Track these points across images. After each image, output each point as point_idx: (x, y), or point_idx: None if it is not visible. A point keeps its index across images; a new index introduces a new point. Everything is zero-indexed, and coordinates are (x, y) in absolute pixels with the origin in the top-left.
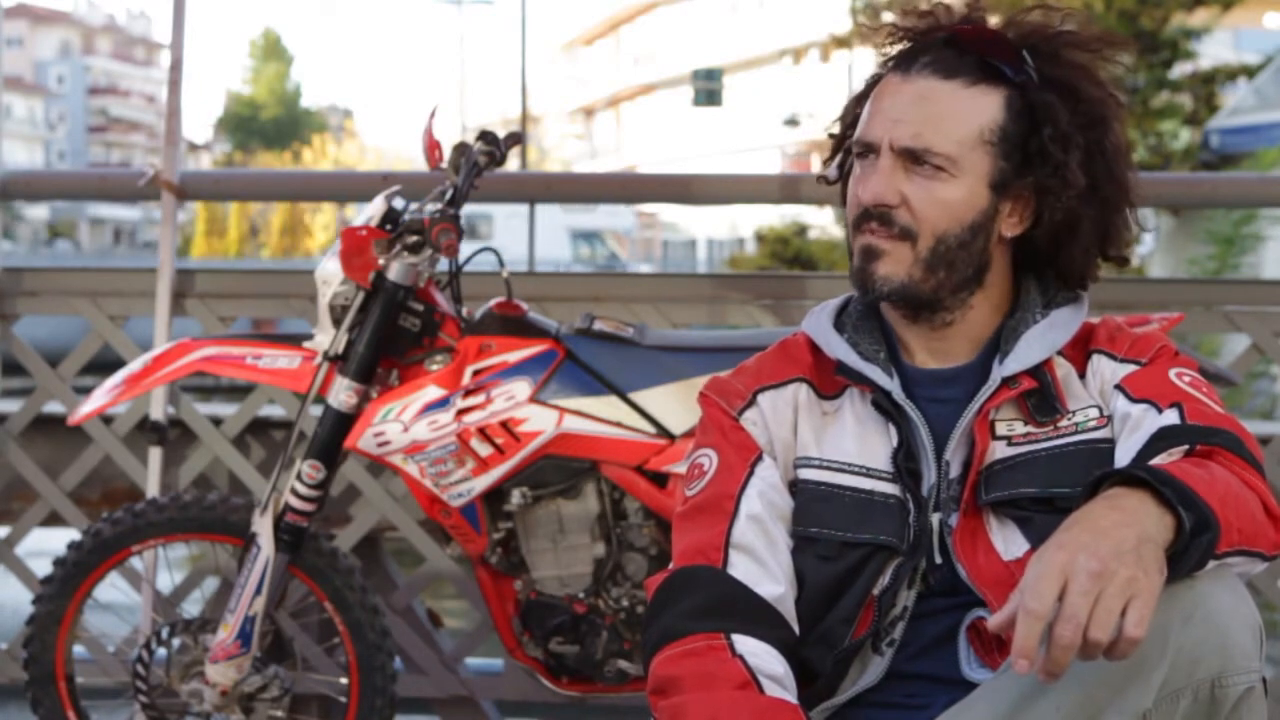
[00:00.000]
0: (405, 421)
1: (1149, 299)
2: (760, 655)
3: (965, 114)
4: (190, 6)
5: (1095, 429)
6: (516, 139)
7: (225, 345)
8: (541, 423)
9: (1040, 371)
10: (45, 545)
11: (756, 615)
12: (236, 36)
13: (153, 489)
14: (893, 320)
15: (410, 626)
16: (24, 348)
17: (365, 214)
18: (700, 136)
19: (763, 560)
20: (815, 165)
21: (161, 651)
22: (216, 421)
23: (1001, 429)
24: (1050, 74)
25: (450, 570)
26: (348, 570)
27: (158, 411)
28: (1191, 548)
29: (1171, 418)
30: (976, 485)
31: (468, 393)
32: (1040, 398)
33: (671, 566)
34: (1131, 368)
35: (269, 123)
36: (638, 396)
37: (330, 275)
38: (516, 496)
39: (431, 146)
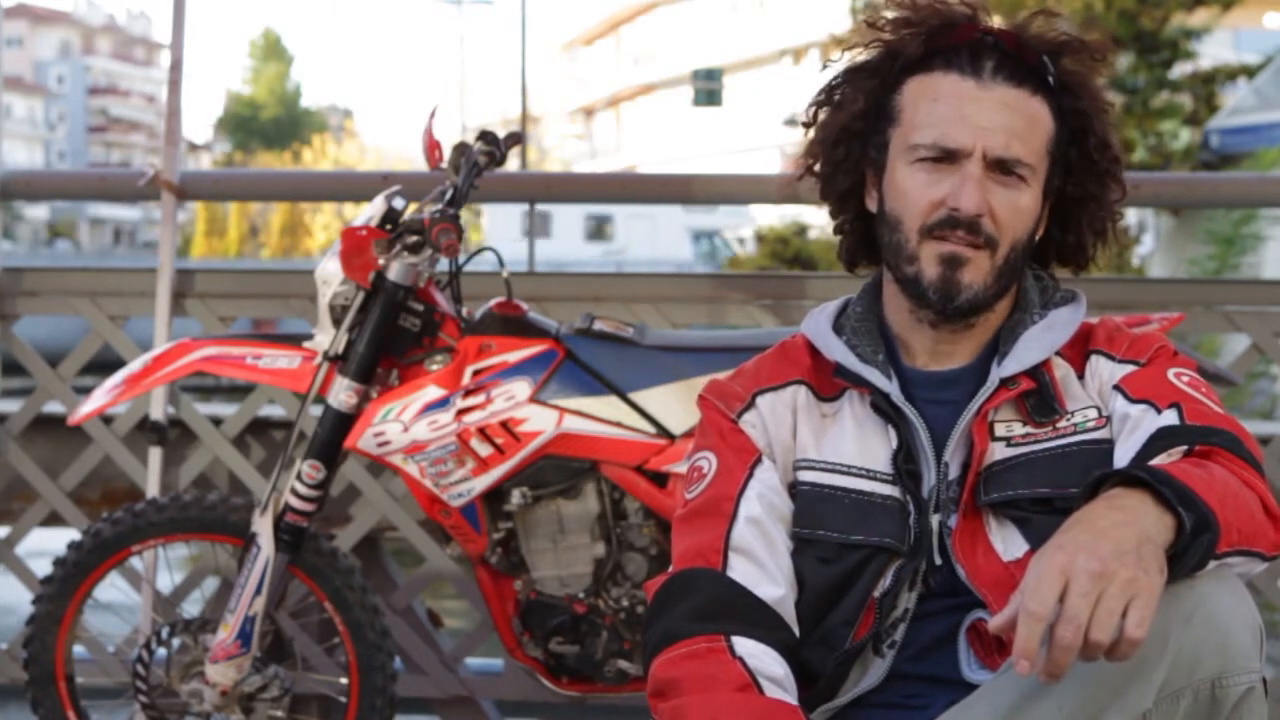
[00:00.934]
0: (405, 421)
1: (1149, 299)
2: (760, 657)
3: (1039, 123)
4: (190, 6)
5: (1094, 429)
6: (516, 139)
7: (225, 345)
8: (541, 423)
9: (1039, 372)
10: (45, 545)
11: (756, 617)
12: (236, 36)
13: (153, 489)
14: (900, 322)
15: (410, 626)
16: (24, 348)
17: (365, 214)
18: (700, 136)
19: (762, 563)
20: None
21: (161, 651)
22: (216, 421)
23: (1000, 430)
24: (1067, 80)
25: (450, 570)
26: (348, 570)
27: (158, 411)
28: (1192, 548)
29: (1171, 418)
30: (976, 486)
31: (468, 393)
32: (1039, 398)
33: (671, 569)
34: (1130, 368)
35: (269, 123)
36: (638, 396)
37: (330, 275)
38: (516, 496)
39: (431, 146)
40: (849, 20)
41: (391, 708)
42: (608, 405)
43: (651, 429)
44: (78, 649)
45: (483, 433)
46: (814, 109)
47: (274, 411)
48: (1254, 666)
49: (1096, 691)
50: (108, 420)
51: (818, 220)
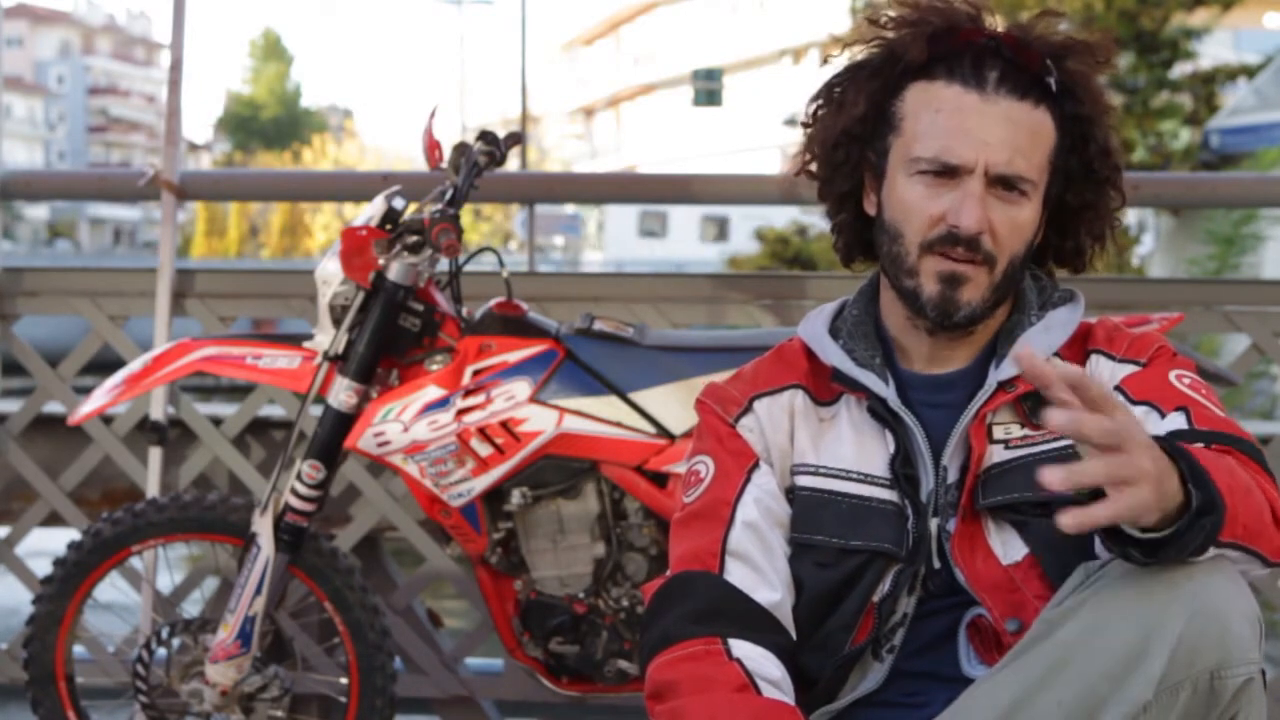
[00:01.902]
0: (405, 421)
1: (1149, 299)
2: (757, 659)
3: (1041, 137)
4: (190, 6)
5: None
6: (516, 139)
7: (225, 345)
8: (541, 423)
9: None
10: (45, 545)
11: (753, 620)
12: (236, 36)
13: (153, 489)
14: (897, 326)
15: (410, 626)
16: (24, 348)
17: (365, 214)
18: (700, 136)
19: (759, 567)
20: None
21: (161, 651)
22: (216, 421)
23: (999, 433)
24: (1070, 84)
25: (450, 570)
26: (348, 570)
27: (158, 411)
28: (1195, 527)
29: (1178, 422)
30: (974, 490)
31: (468, 393)
32: (1037, 400)
33: (668, 573)
34: (1131, 368)
35: (269, 123)
36: (638, 396)
37: (330, 275)
38: (516, 496)
39: (431, 146)
40: (849, 20)
41: (391, 708)
42: (608, 405)
43: (651, 429)
44: (78, 649)
45: (483, 433)
46: (814, 108)
47: (274, 411)
48: (1253, 658)
49: (1096, 684)
50: (108, 420)
51: (817, 220)
